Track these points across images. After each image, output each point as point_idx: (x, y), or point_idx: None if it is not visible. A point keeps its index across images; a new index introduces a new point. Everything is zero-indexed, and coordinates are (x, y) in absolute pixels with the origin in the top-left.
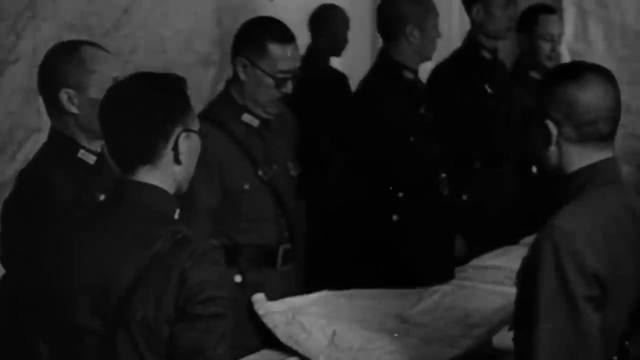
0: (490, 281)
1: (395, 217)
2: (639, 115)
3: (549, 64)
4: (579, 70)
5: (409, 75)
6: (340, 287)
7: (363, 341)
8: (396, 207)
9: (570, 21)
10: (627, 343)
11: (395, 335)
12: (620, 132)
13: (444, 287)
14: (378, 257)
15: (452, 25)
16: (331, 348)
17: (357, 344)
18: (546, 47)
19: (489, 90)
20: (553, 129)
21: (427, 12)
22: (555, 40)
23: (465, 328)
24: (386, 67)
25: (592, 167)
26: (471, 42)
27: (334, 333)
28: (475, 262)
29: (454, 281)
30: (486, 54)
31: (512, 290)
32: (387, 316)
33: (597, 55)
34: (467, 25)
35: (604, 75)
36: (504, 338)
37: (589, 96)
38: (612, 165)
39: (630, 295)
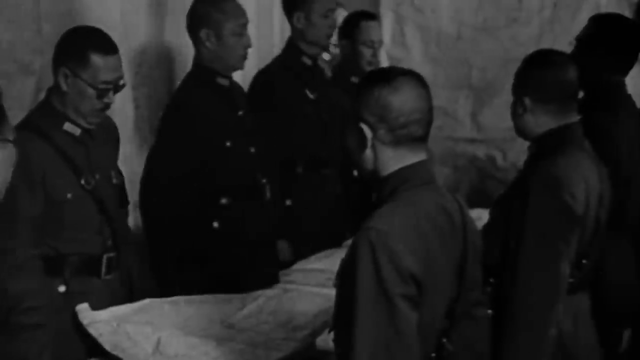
0: (314, 284)
1: (216, 224)
2: (456, 119)
3: (370, 69)
4: (392, 74)
5: (222, 81)
6: (164, 295)
7: (187, 348)
8: (218, 214)
9: (388, 27)
10: (444, 340)
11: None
12: (438, 135)
13: (268, 291)
14: (201, 264)
15: (274, 32)
16: (156, 355)
17: (182, 351)
18: (367, 52)
19: (310, 95)
20: (368, 133)
21: (225, 17)
22: (375, 47)
23: (289, 331)
24: (198, 73)
25: (406, 169)
26: (292, 49)
27: (159, 340)
28: (298, 265)
29: (278, 285)
30: (307, 60)
31: (334, 292)
32: (211, 322)
33: (415, 60)
34: (288, 32)
35: (416, 79)
36: (327, 340)
37: (402, 100)
38: (425, 167)
39: (446, 293)
